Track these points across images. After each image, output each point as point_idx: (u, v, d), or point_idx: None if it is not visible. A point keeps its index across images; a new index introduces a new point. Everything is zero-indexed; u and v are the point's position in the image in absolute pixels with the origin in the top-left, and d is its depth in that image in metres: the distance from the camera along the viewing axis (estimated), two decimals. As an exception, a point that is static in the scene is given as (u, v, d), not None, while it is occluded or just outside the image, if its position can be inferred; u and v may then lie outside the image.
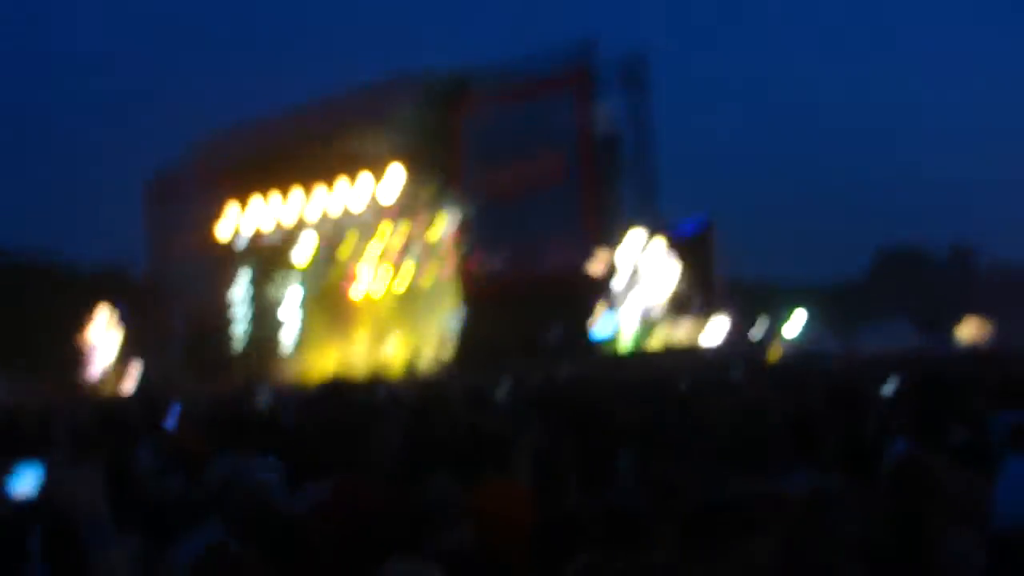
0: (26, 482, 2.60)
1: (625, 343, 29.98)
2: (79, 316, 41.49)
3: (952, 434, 5.92)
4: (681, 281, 32.88)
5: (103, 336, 41.26)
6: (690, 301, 32.56)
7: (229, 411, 7.01)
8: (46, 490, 2.62)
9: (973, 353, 23.33)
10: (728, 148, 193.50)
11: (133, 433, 8.19)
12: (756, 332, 34.92)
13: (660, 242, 31.81)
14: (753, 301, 43.02)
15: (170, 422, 10.17)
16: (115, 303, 42.33)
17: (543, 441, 6.50)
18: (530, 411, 9.06)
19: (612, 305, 29.92)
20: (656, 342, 30.80)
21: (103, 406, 15.49)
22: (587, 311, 29.57)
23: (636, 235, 30.92)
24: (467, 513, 4.52)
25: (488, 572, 4.10)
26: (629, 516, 4.16)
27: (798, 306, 43.21)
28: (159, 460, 6.98)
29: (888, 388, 9.21)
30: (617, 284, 30.24)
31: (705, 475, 4.90)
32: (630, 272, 30.74)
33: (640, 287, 31.26)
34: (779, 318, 40.73)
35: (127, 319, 41.61)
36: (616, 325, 29.70)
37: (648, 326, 31.00)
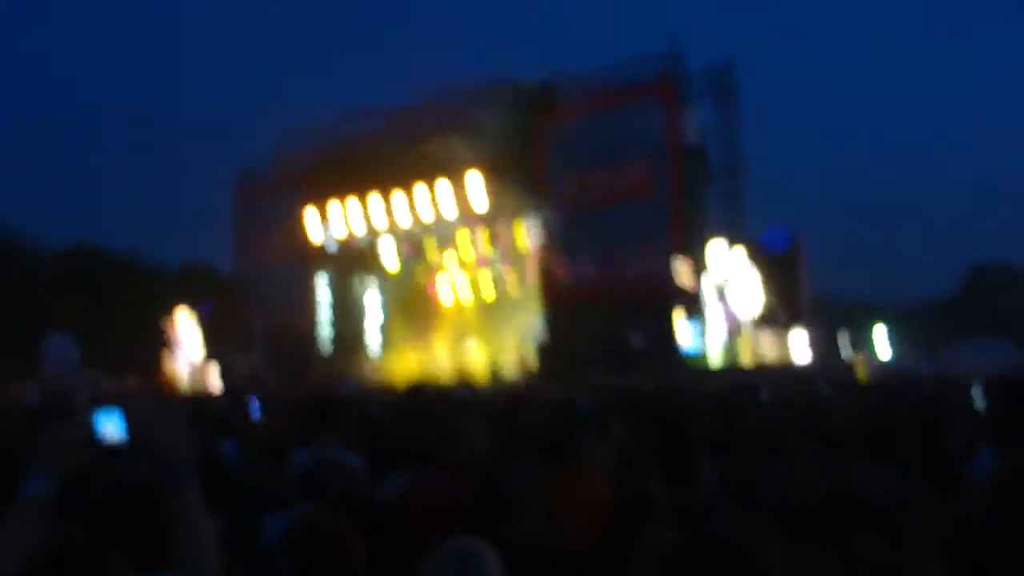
0: (113, 426, 2.66)
1: (712, 355, 29.79)
2: (165, 313, 42.12)
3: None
4: (768, 294, 32.65)
5: (188, 333, 41.83)
6: (777, 315, 32.30)
7: (315, 404, 7.10)
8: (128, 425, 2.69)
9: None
10: (820, 162, 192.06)
11: (219, 425, 8.35)
12: (844, 348, 34.51)
13: (748, 254, 31.57)
14: (841, 317, 42.63)
15: (255, 414, 10.37)
16: (201, 301, 42.95)
17: (626, 441, 6.54)
18: (613, 415, 9.06)
19: (699, 317, 29.74)
20: (743, 355, 30.58)
21: (189, 399, 15.79)
22: (672, 322, 29.44)
23: (724, 246, 30.72)
24: (546, 501, 4.58)
25: (564, 555, 4.15)
26: (708, 511, 4.20)
27: (887, 324, 42.72)
28: (245, 450, 7.13)
29: (976, 400, 9.09)
30: (704, 296, 30.06)
31: (789, 475, 4.90)
32: (718, 284, 30.55)
33: (727, 299, 31.07)
34: (867, 335, 40.28)
35: (212, 317, 42.18)
36: (703, 337, 29.52)
37: (735, 338, 30.78)
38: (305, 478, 4.84)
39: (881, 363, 35.55)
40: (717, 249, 30.53)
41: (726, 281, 30.78)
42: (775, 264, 32.77)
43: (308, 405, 7.04)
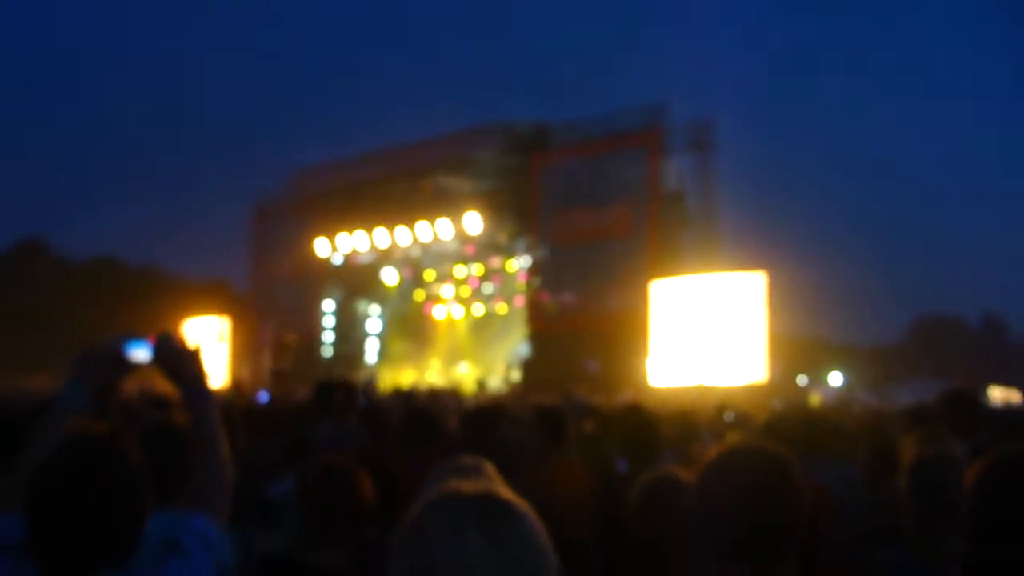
0: (140, 351, 2.85)
1: (676, 382, 29.82)
2: (180, 322, 42.23)
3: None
4: (734, 330, 32.68)
5: (204, 341, 41.87)
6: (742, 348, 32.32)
7: (327, 386, 7.39)
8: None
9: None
10: (788, 206, 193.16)
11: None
12: (800, 380, 34.78)
13: (718, 292, 31.66)
14: (800, 353, 42.91)
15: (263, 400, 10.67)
16: (217, 313, 43.14)
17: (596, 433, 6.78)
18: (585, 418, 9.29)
19: (666, 347, 29.85)
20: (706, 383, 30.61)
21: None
22: (645, 351, 29.59)
23: (697, 284, 30.78)
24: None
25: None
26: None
27: (839, 360, 43.06)
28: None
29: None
30: (674, 328, 30.14)
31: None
32: (687, 318, 30.62)
33: (695, 333, 31.10)
34: (821, 370, 40.62)
35: (228, 329, 42.36)
36: (666, 366, 29.58)
37: (699, 369, 30.82)
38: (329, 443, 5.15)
39: (833, 391, 35.89)
40: (692, 286, 30.57)
41: (697, 317, 30.77)
42: (741, 302, 32.81)
43: (321, 388, 7.29)
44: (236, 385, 28.63)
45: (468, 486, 1.72)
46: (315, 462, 3.91)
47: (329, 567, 3.52)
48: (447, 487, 1.73)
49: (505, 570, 1.57)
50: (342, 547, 3.58)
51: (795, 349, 43.71)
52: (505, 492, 1.75)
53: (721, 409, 13.12)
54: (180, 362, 2.86)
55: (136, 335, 2.90)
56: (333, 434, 6.12)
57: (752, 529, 2.45)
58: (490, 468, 3.06)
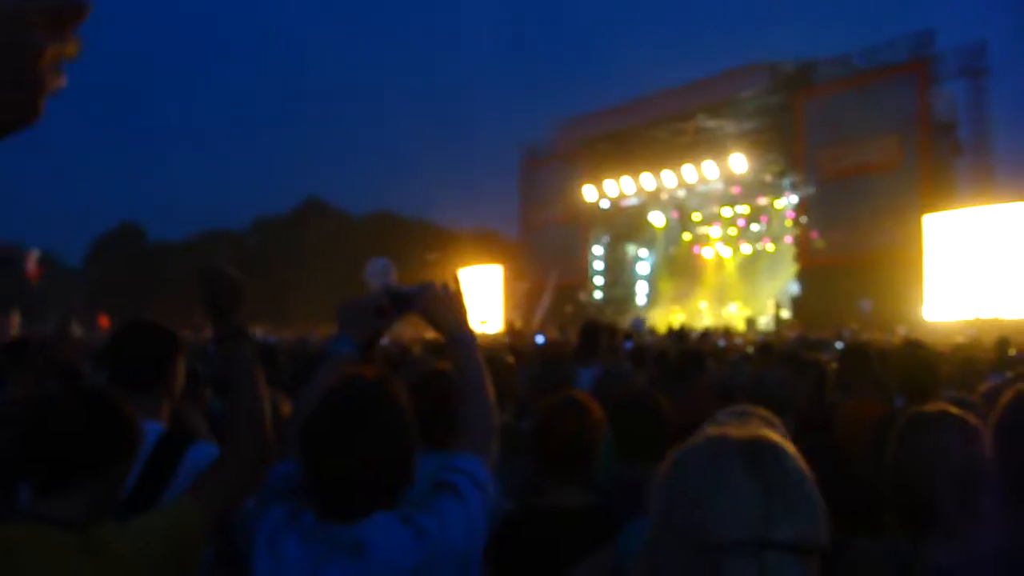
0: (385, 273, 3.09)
1: (953, 317, 29.07)
2: (453, 269, 43.81)
3: None
4: (1015, 262, 31.37)
5: (474, 289, 43.34)
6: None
7: (588, 329, 7.99)
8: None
9: None
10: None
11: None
12: None
13: (997, 224, 30.50)
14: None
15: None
16: (489, 262, 44.51)
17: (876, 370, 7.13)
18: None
19: (942, 282, 29.10)
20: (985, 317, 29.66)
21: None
22: (918, 286, 28.97)
23: (974, 217, 29.77)
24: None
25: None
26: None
27: None
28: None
29: None
30: (950, 262, 29.32)
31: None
32: (964, 251, 29.71)
33: (972, 266, 30.15)
34: None
35: (501, 276, 43.66)
36: (942, 301, 28.84)
37: (978, 303, 29.90)
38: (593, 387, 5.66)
39: None
40: (966, 220, 29.57)
41: (975, 252, 29.77)
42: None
43: (586, 331, 7.88)
44: (510, 329, 29.82)
45: (736, 430, 1.68)
46: (547, 400, 3.83)
47: (565, 507, 3.48)
48: (714, 430, 1.68)
49: (769, 502, 1.53)
50: (579, 485, 3.55)
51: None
52: (773, 436, 1.68)
53: (1003, 344, 12.68)
54: (442, 309, 3.02)
55: (401, 285, 3.09)
56: (593, 375, 6.57)
57: None
58: (768, 415, 3.30)
